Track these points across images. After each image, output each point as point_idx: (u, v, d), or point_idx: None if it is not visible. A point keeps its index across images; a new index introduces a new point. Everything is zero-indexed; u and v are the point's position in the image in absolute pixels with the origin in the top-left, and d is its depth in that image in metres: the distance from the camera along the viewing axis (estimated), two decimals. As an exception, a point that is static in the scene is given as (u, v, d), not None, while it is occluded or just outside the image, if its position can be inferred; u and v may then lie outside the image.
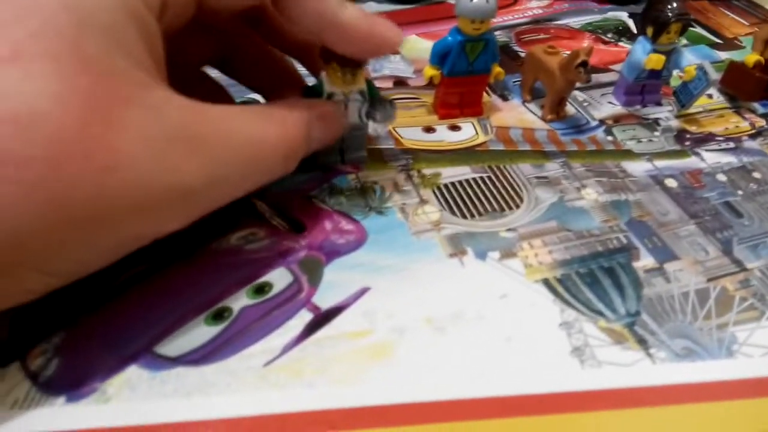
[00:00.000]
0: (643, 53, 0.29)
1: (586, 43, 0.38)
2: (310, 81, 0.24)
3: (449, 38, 0.27)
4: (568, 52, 0.28)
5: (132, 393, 0.17)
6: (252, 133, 0.18)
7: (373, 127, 0.27)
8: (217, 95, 0.25)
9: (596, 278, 0.21)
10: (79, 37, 0.14)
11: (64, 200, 0.14)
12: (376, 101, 0.24)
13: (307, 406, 0.17)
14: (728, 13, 0.44)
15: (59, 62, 0.14)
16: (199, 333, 0.18)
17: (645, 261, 0.22)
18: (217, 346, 0.18)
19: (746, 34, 0.41)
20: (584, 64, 0.27)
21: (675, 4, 0.28)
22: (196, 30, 0.20)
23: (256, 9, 0.22)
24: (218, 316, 0.19)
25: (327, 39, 0.20)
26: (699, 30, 0.41)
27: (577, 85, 0.29)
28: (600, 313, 0.20)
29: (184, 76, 0.20)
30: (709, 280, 0.22)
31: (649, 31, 0.29)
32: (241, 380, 0.17)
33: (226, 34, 0.23)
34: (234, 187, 0.18)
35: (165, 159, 0.16)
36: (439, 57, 0.27)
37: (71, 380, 0.17)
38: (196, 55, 0.23)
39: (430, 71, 0.28)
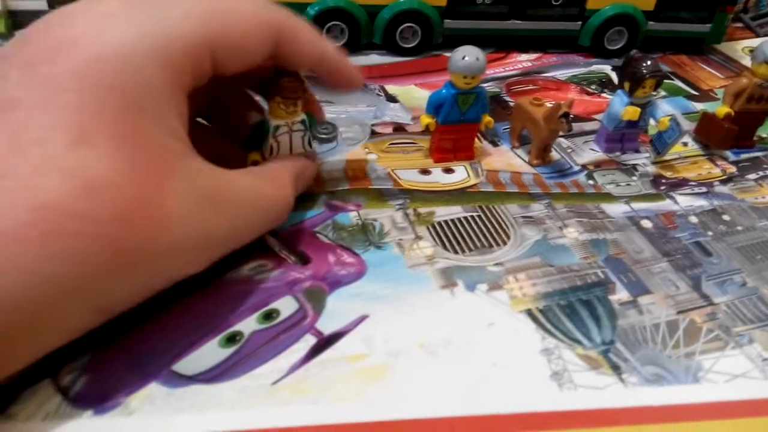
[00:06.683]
0: (620, 105, 0.32)
1: (570, 95, 0.41)
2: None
3: (443, 91, 0.29)
4: (553, 103, 0.30)
5: (152, 407, 0.19)
6: (259, 192, 0.22)
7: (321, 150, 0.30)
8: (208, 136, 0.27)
9: (575, 309, 0.24)
10: (136, 122, 0.18)
11: (125, 249, 0.17)
12: (314, 126, 0.26)
13: (310, 422, 0.19)
14: (705, 66, 0.48)
15: (120, 141, 0.18)
16: (214, 354, 0.20)
17: (620, 294, 0.24)
18: (229, 366, 0.20)
19: (721, 87, 0.44)
20: (566, 115, 0.29)
21: (649, 62, 0.31)
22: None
23: None
24: (231, 340, 0.21)
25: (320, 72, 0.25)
26: (677, 82, 0.44)
27: (561, 133, 0.31)
28: (578, 342, 0.22)
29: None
30: (679, 312, 0.24)
31: (626, 85, 0.32)
32: (251, 397, 0.19)
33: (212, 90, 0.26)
34: (246, 235, 0.22)
35: (197, 216, 0.19)
36: (434, 107, 0.30)
37: (98, 395, 0.19)
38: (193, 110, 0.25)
39: (426, 119, 0.30)
